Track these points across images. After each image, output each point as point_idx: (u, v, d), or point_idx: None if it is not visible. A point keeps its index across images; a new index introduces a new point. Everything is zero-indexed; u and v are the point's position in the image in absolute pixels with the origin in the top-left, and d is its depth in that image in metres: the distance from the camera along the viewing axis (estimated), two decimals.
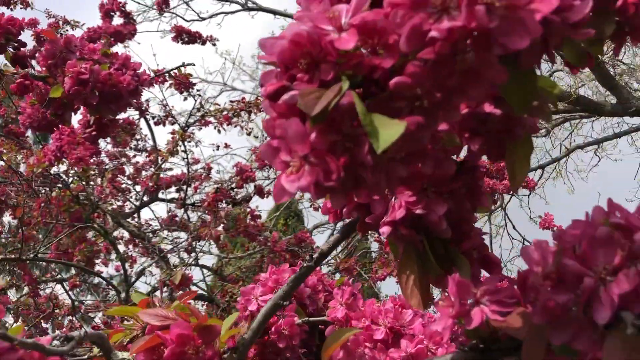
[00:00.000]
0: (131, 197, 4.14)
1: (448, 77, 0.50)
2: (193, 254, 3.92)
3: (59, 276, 4.00)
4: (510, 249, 8.12)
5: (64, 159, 2.13)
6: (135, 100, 1.62)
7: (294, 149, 0.48)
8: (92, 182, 2.89)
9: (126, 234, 4.06)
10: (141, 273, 3.77)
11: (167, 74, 3.24)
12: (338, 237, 0.85)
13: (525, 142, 0.68)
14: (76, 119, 2.11)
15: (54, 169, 2.79)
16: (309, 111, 0.46)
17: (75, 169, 2.66)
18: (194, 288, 3.54)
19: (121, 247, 4.27)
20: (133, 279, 3.58)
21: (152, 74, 3.60)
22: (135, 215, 3.97)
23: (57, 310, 4.27)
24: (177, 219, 4.04)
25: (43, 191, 2.82)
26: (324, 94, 0.49)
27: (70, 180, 2.68)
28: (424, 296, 0.77)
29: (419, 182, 0.75)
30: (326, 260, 4.62)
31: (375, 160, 0.48)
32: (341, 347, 0.92)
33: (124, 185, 4.19)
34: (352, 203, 0.81)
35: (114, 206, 3.91)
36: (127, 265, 3.96)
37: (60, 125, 1.82)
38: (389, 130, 0.45)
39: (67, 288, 3.64)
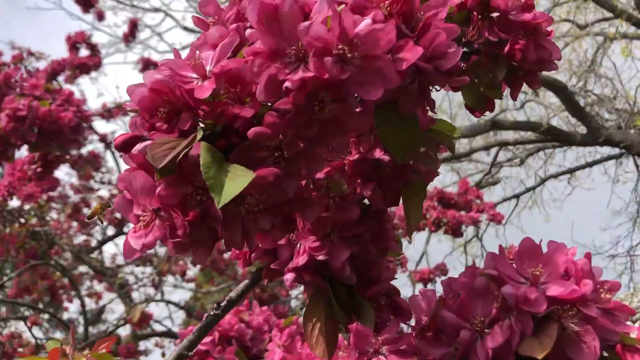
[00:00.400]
0: (95, 231, 4.07)
1: (308, 127, 0.48)
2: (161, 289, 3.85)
3: (19, 314, 3.89)
4: None
5: (14, 195, 2.09)
6: (78, 137, 1.59)
7: (142, 203, 0.46)
8: (48, 217, 2.84)
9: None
10: (101, 310, 3.69)
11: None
12: (247, 284, 0.83)
13: (418, 187, 0.67)
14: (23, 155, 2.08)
15: (11, 204, 2.73)
16: (156, 163, 0.45)
17: (31, 204, 2.61)
18: (158, 326, 3.47)
19: (87, 283, 4.19)
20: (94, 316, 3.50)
21: (112, 107, 3.59)
22: (100, 249, 3.90)
23: (20, 350, 4.15)
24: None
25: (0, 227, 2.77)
26: (179, 144, 0.47)
27: (26, 215, 2.62)
28: (329, 345, 0.75)
29: (322, 228, 0.74)
30: (295, 295, 4.55)
31: (229, 213, 0.46)
32: None
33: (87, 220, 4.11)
34: (258, 249, 0.79)
35: (80, 241, 3.84)
36: (93, 301, 3.88)
37: (3, 162, 1.78)
38: (233, 183, 0.43)
39: (28, 325, 3.54)
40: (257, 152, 0.49)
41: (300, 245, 0.75)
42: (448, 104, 7.11)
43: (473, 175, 7.87)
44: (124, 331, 3.67)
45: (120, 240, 4.00)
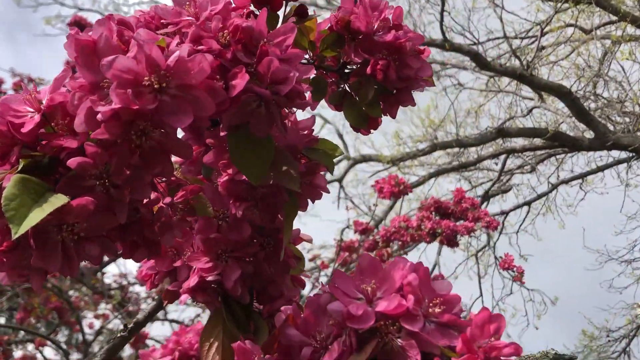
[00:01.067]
0: None
1: (129, 155, 0.50)
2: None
3: (30, 336, 3.95)
4: (502, 288, 8.00)
5: None
6: None
7: None
8: None
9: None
10: (99, 332, 3.73)
11: None
12: (155, 306, 0.84)
13: (290, 205, 0.69)
14: None
15: None
16: None
17: None
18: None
19: (91, 304, 4.24)
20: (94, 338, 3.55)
21: None
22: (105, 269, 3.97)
23: None
24: None
25: None
26: (3, 177, 0.50)
27: None
28: None
29: (214, 248, 0.75)
30: None
31: (45, 241, 0.48)
32: None
33: None
34: (160, 272, 0.81)
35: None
36: (100, 321, 3.92)
37: None
38: (36, 214, 0.45)
39: (35, 346, 3.60)
40: (82, 181, 0.51)
41: (195, 266, 0.76)
42: (454, 114, 7.08)
43: (484, 183, 7.81)
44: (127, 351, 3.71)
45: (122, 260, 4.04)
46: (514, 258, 3.17)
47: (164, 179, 0.62)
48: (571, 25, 7.09)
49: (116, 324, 3.90)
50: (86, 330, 4.26)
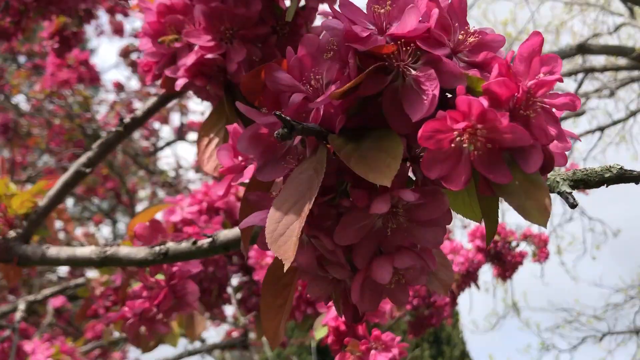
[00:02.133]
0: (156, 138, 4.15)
1: None
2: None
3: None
4: (562, 214, 7.73)
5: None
6: (83, 5, 1.55)
7: None
8: (96, 111, 2.89)
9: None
10: None
11: None
12: (155, 102, 0.74)
13: None
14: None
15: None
16: None
17: (76, 96, 2.65)
18: None
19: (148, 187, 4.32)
20: None
21: None
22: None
23: None
24: None
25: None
26: None
27: (74, 108, 2.67)
28: None
29: (217, 24, 0.63)
30: None
31: None
32: (149, 222, 0.82)
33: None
34: (161, 58, 0.70)
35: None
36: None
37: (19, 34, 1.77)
38: None
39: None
40: None
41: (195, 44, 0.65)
42: (532, 28, 6.61)
43: None
44: None
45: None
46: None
47: None
48: None
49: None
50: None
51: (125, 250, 0.77)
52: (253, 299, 1.47)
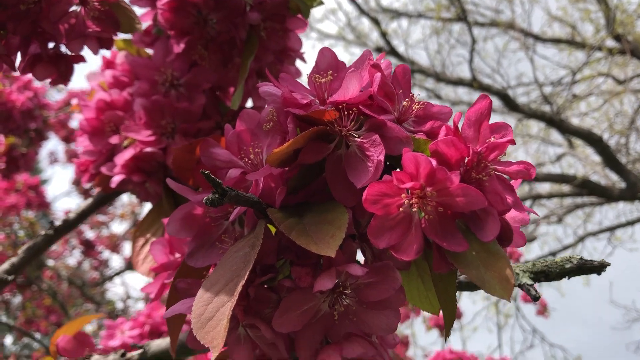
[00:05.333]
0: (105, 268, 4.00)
1: None
2: None
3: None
4: (522, 341, 7.64)
5: None
6: (29, 124, 1.53)
7: None
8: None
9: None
10: None
11: None
12: (89, 205, 0.70)
13: (249, 45, 0.54)
14: None
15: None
16: None
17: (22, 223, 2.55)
18: None
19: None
20: None
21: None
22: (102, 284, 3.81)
23: None
24: None
25: None
26: None
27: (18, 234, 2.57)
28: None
29: (157, 118, 0.61)
30: None
31: None
32: (74, 335, 0.74)
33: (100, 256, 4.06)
34: (97, 157, 0.66)
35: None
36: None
37: None
38: None
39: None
40: None
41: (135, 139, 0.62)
42: None
43: None
44: None
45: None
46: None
47: None
48: (603, 74, 6.97)
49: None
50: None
51: None
52: None
